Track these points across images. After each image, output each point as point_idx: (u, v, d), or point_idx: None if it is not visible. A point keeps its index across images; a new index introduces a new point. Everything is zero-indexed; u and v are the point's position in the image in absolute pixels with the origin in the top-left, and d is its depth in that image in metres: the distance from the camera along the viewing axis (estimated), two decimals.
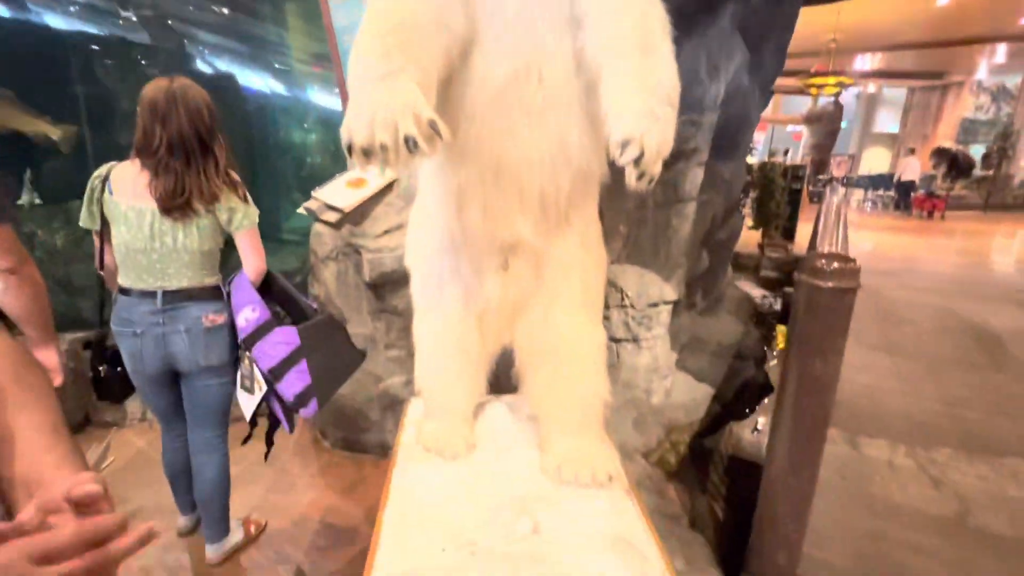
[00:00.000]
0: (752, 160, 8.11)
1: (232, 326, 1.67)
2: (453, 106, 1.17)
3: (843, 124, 15.27)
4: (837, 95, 13.46)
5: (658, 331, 2.62)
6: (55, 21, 4.10)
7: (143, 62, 4.27)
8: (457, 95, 1.15)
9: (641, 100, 0.99)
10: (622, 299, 2.59)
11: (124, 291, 1.58)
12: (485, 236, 1.32)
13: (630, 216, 2.61)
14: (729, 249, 3.98)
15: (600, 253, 1.56)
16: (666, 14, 1.15)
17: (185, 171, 1.49)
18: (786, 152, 10.15)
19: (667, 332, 2.67)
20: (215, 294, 1.65)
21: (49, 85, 3.61)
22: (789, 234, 7.03)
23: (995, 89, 15.12)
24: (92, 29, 4.34)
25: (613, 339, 2.62)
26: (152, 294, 1.55)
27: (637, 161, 0.96)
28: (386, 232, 1.99)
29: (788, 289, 5.07)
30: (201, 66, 5.01)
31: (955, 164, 13.18)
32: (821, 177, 13.28)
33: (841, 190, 5.61)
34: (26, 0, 3.81)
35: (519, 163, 1.20)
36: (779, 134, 19.24)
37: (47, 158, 3.43)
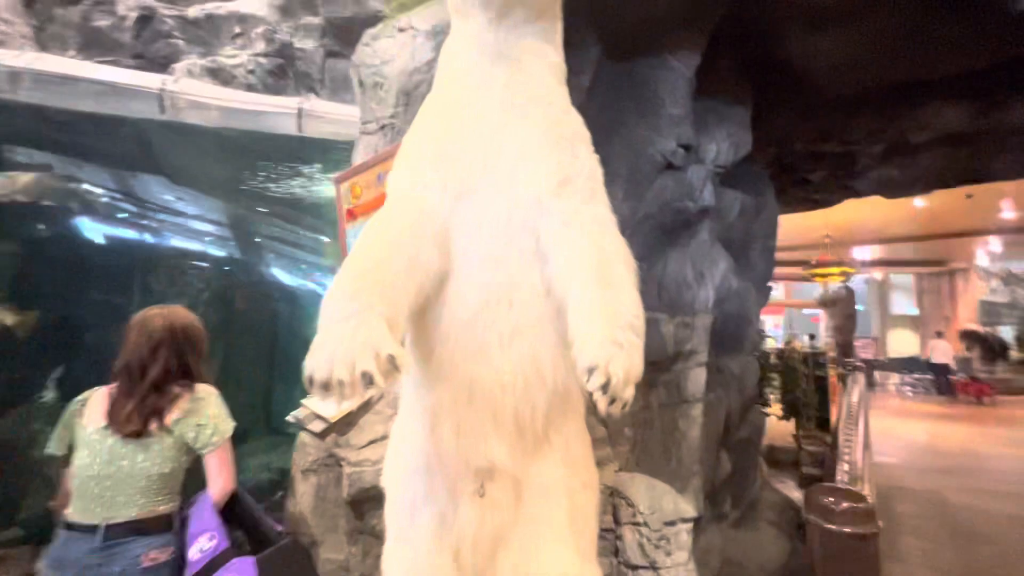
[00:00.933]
0: (772, 345, 8.07)
1: (175, 563, 1.51)
2: (428, 330, 1.22)
3: (859, 307, 15.48)
4: (845, 282, 13.93)
5: (679, 556, 2.25)
6: (179, 241, 4.79)
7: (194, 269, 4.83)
8: (432, 320, 1.21)
9: (604, 329, 1.03)
10: (634, 515, 2.30)
11: (67, 526, 1.49)
12: (459, 458, 1.27)
13: (635, 418, 2.50)
14: (754, 448, 3.67)
15: (589, 473, 1.44)
16: (627, 248, 1.26)
17: (127, 393, 1.53)
18: (811, 337, 10.10)
19: (691, 557, 2.29)
20: (164, 525, 1.54)
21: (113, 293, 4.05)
22: (824, 423, 6.60)
23: (1003, 274, 15.45)
24: (192, 246, 5.00)
25: (628, 566, 2.24)
26: (94, 529, 1.46)
27: (605, 387, 0.93)
28: (371, 443, 1.92)
29: None
30: (254, 269, 5.63)
31: (988, 347, 12.85)
32: (849, 360, 12.99)
33: (861, 378, 5.36)
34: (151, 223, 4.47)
35: (492, 384, 1.20)
36: (797, 317, 19.46)
37: (75, 358, 3.66)
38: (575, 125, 1.35)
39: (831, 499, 1.09)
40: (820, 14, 1.89)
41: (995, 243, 13.20)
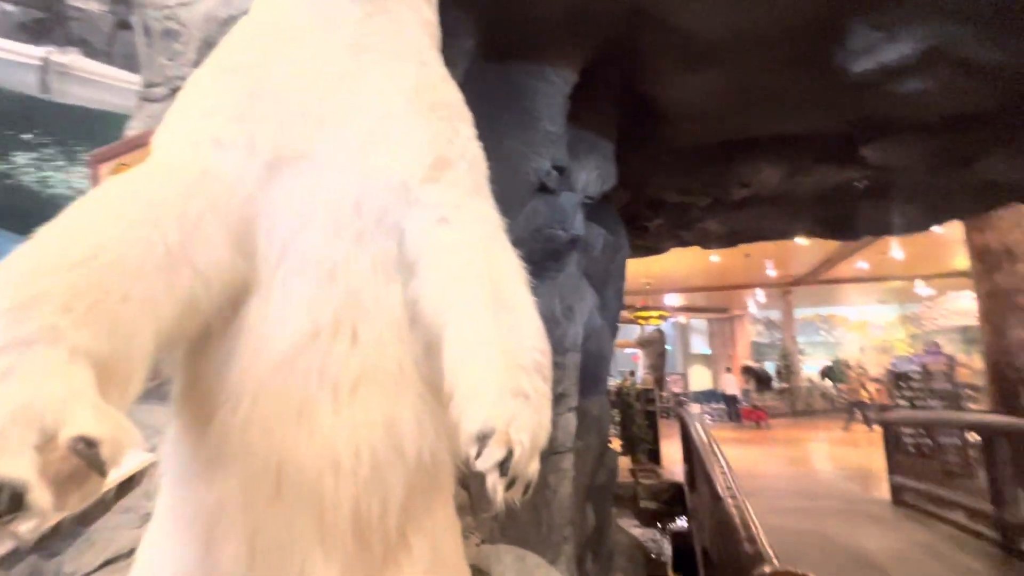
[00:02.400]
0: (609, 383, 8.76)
1: None
2: (208, 380, 0.75)
3: (668, 347, 18.05)
4: (659, 325, 16.35)
5: None
6: None
7: None
8: (216, 365, 0.75)
9: (502, 372, 0.70)
10: None
11: None
12: None
13: None
14: (610, 492, 3.62)
15: None
16: (520, 262, 0.94)
17: None
18: (632, 373, 11.69)
19: None
20: None
21: None
22: (655, 455, 7.17)
23: (765, 321, 19.91)
24: None
25: None
26: None
27: (504, 464, 0.61)
28: (106, 564, 1.21)
29: (673, 526, 4.81)
30: None
31: (759, 379, 16.18)
32: (663, 394, 14.97)
33: (695, 410, 6.01)
34: None
35: (317, 466, 0.78)
36: (619, 355, 21.90)
37: None
38: (455, 97, 1.02)
39: None
40: (695, 53, 1.95)
41: (760, 295, 16.97)
